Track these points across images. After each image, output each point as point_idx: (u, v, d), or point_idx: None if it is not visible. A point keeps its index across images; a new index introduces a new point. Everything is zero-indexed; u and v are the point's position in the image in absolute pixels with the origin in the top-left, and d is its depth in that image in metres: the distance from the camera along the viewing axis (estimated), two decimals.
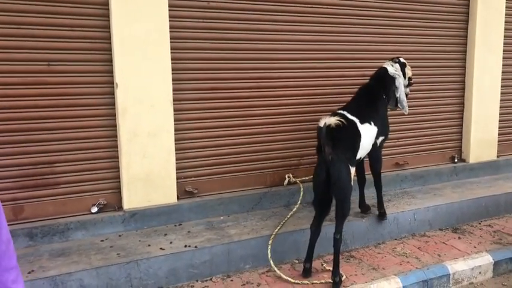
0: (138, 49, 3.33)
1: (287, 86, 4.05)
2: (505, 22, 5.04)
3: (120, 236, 3.34)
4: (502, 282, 3.36)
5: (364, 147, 3.32)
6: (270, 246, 3.19)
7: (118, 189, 3.49)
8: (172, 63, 3.48)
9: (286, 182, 4.04)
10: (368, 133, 3.33)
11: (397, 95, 3.66)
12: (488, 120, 5.11)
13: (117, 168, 3.46)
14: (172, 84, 3.50)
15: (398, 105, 3.72)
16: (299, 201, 3.79)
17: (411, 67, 3.87)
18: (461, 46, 4.96)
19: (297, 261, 3.32)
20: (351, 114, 3.24)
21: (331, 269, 3.03)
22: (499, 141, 5.25)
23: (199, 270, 3.08)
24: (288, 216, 3.59)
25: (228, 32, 3.73)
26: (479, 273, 3.36)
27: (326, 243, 3.23)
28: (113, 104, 3.38)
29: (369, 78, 3.75)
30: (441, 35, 4.81)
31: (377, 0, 4.37)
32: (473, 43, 4.89)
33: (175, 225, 3.54)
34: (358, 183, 3.80)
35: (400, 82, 3.66)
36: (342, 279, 3.00)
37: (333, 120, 2.98)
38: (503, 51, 5.09)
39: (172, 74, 3.49)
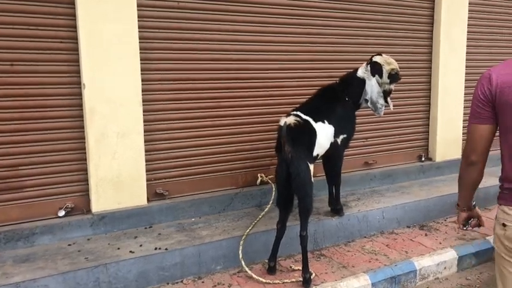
0: (106, 49, 3.27)
1: (257, 87, 4.07)
2: (468, 25, 5.21)
3: (88, 239, 3.27)
4: (466, 276, 3.48)
5: (321, 145, 3.34)
6: (241, 247, 3.19)
7: (86, 192, 3.41)
8: (141, 63, 3.44)
9: (258, 181, 4.05)
10: (322, 131, 3.33)
11: (366, 97, 3.64)
12: (453, 119, 5.28)
13: (85, 170, 3.39)
14: (142, 84, 3.45)
15: (370, 106, 3.67)
16: (271, 201, 3.78)
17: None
18: (426, 48, 5.10)
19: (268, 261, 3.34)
20: (305, 114, 3.26)
21: (300, 268, 3.07)
22: (463, 140, 5.43)
23: (170, 272, 3.06)
24: (260, 217, 3.60)
25: (198, 32, 3.71)
26: (445, 268, 3.47)
27: (296, 243, 3.25)
28: (80, 105, 3.30)
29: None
30: (407, 37, 4.93)
31: (343, 2, 4.43)
32: (438, 44, 5.04)
33: (145, 228, 3.50)
34: (327, 182, 3.85)
35: (370, 84, 3.59)
36: (312, 276, 3.04)
37: (291, 120, 3.06)
38: (467, 53, 5.26)
39: (142, 74, 3.45)
